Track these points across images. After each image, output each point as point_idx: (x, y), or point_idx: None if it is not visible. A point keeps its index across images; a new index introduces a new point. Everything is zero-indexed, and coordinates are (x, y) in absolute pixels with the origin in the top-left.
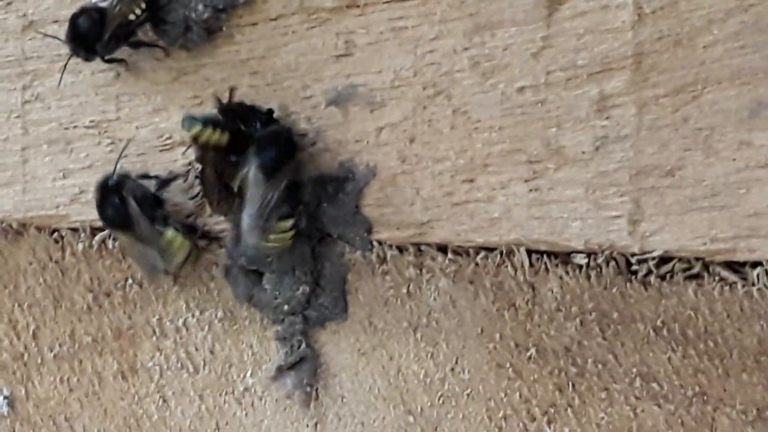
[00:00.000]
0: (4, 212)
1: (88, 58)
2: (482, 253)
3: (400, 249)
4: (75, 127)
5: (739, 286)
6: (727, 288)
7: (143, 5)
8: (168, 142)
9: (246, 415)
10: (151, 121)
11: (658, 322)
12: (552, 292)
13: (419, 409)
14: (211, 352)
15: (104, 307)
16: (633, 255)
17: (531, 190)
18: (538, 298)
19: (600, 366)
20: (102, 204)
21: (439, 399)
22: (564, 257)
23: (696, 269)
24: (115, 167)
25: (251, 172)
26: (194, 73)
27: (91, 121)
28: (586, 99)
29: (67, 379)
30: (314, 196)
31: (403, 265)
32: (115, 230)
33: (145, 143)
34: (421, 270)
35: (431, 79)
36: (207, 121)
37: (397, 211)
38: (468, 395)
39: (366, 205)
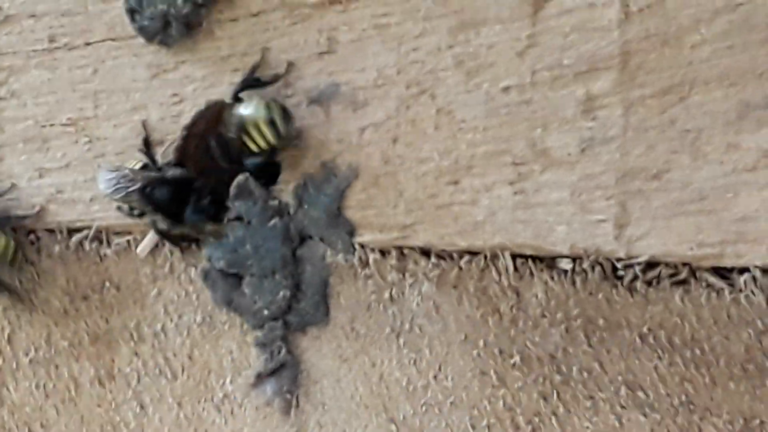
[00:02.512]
0: None
1: None
2: (466, 257)
3: (383, 252)
4: (51, 125)
5: (726, 292)
6: (714, 294)
7: None
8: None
9: (225, 422)
10: (129, 119)
11: (645, 329)
12: (537, 297)
13: (402, 417)
14: (190, 357)
15: (81, 311)
16: (619, 260)
17: (516, 193)
18: (522, 304)
19: (585, 374)
20: None
21: (422, 407)
22: (549, 262)
23: (683, 275)
24: None
25: None
26: (174, 70)
27: (69, 119)
28: (573, 99)
29: (43, 385)
30: (295, 197)
31: (385, 269)
32: None
33: (123, 142)
34: (404, 274)
35: (415, 77)
36: None
37: (380, 213)
38: (451, 403)
39: (348, 206)
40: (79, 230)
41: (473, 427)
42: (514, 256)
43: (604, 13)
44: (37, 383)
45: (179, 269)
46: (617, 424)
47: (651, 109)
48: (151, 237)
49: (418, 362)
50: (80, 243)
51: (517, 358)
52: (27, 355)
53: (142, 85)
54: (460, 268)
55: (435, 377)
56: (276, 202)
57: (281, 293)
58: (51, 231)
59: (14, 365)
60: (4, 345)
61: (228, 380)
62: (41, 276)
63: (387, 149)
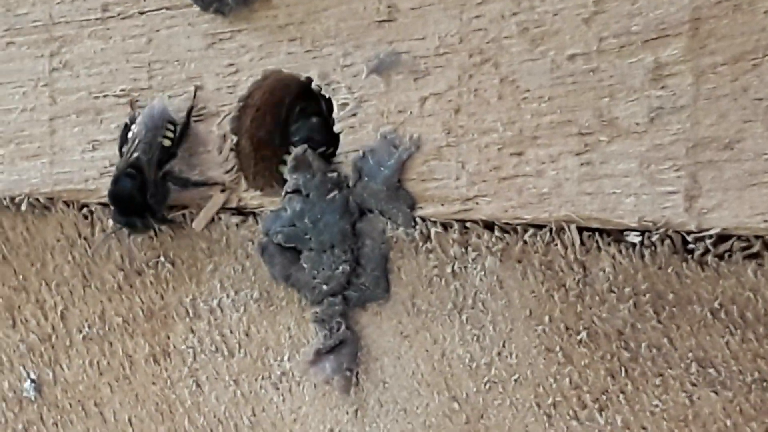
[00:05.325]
0: (31, 186)
1: None
2: (531, 231)
3: (445, 226)
4: (105, 96)
5: None
6: None
7: None
8: (203, 111)
9: (283, 400)
10: (184, 90)
11: (716, 304)
12: (604, 272)
13: (464, 396)
14: (247, 334)
15: (135, 287)
16: (689, 233)
17: (582, 164)
18: (589, 279)
19: (654, 350)
20: None
21: (485, 385)
22: (617, 235)
23: (756, 248)
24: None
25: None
26: (230, 39)
27: (122, 90)
28: (641, 67)
29: (97, 363)
30: (355, 170)
31: (447, 242)
32: None
33: (178, 113)
34: (466, 248)
35: (478, 45)
36: None
37: (442, 186)
38: (516, 381)
39: (409, 179)
40: None
41: (538, 406)
42: (580, 230)
43: None
44: (90, 360)
45: (236, 244)
46: (687, 402)
47: (722, 76)
48: (206, 211)
49: (482, 339)
50: None
51: (583, 335)
52: (80, 332)
53: (198, 54)
54: (525, 242)
55: (499, 354)
56: (335, 175)
57: (340, 268)
58: (105, 205)
59: (68, 342)
60: (57, 322)
61: (286, 357)
62: (95, 251)
63: (449, 120)
